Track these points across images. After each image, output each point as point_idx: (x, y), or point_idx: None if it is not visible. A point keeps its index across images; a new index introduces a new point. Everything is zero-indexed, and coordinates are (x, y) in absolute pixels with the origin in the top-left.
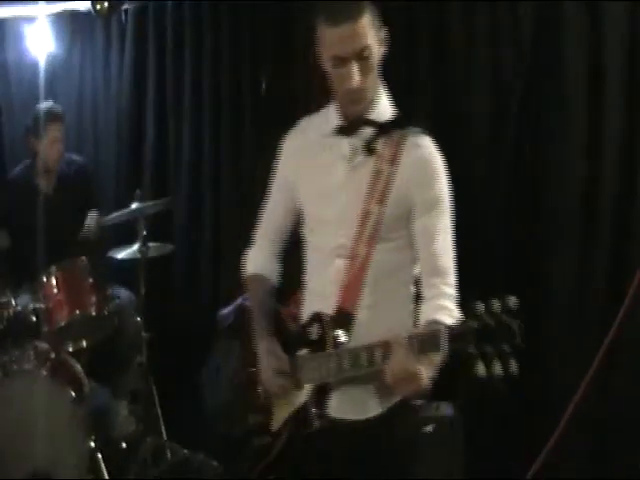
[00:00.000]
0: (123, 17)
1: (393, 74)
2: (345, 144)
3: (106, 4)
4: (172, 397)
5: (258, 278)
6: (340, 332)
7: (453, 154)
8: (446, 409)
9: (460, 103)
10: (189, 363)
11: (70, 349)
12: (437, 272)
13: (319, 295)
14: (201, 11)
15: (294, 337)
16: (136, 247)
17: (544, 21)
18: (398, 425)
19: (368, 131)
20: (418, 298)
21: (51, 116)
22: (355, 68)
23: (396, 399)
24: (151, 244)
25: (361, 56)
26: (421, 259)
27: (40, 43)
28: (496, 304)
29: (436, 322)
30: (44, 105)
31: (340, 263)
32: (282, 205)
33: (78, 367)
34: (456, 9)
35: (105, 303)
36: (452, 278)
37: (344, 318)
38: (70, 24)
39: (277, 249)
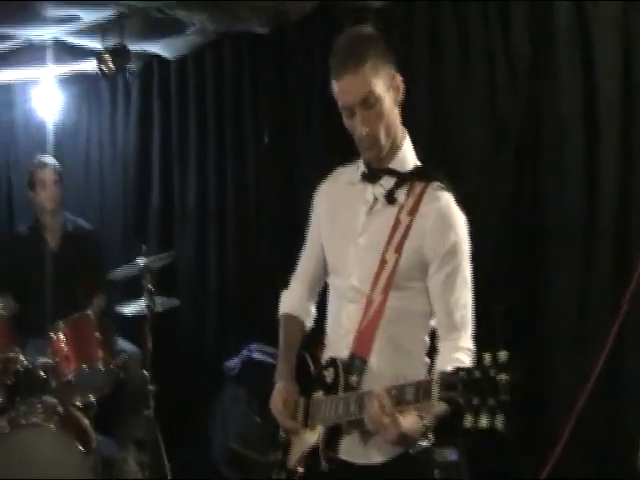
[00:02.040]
0: (128, 76)
1: None
2: (369, 191)
3: (112, 65)
4: (178, 445)
5: (289, 319)
6: (353, 377)
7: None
8: (450, 454)
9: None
10: (195, 412)
11: (78, 403)
12: (454, 327)
13: (336, 340)
14: (204, 66)
15: (313, 379)
16: (142, 302)
17: (539, 51)
18: (403, 474)
19: (391, 180)
20: (433, 352)
21: (40, 163)
22: (359, 117)
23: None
24: (157, 298)
25: (366, 104)
26: (437, 311)
27: (47, 104)
28: (487, 357)
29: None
30: (41, 157)
31: (356, 308)
32: (316, 250)
33: (85, 421)
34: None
35: (112, 357)
36: (469, 333)
37: (357, 363)
38: (76, 85)
39: (312, 292)
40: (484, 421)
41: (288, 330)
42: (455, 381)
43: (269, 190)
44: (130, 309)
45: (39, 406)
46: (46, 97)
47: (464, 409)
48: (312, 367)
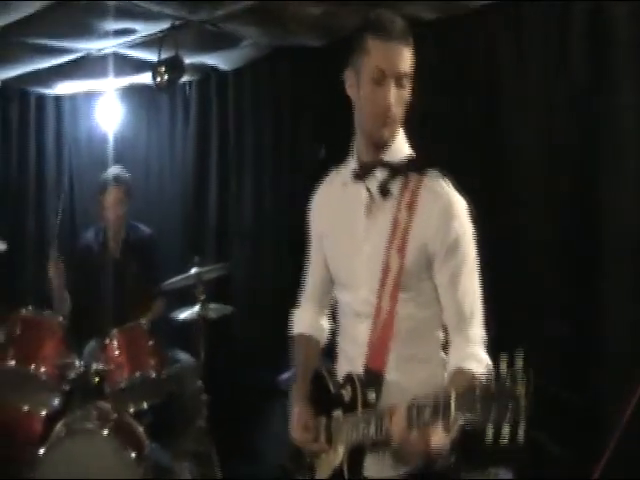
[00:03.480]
0: (187, 89)
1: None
2: (362, 190)
3: (166, 77)
4: (232, 459)
5: (303, 339)
6: (370, 393)
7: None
8: (505, 474)
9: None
10: (249, 425)
11: (131, 410)
12: (463, 317)
13: (349, 355)
14: (261, 79)
15: (332, 398)
16: (196, 309)
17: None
18: None
19: (383, 173)
20: (446, 345)
21: (113, 179)
22: (392, 89)
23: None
24: (211, 305)
25: (400, 83)
26: (446, 305)
27: (108, 116)
28: (503, 367)
29: (463, 372)
30: (109, 170)
31: (366, 321)
32: (322, 262)
33: (139, 428)
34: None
35: (164, 366)
36: (479, 321)
37: (373, 378)
38: (136, 97)
39: (324, 307)
40: (506, 435)
41: (302, 351)
42: (472, 399)
43: None
44: (184, 315)
45: (94, 412)
46: (107, 109)
47: (484, 426)
48: (331, 385)
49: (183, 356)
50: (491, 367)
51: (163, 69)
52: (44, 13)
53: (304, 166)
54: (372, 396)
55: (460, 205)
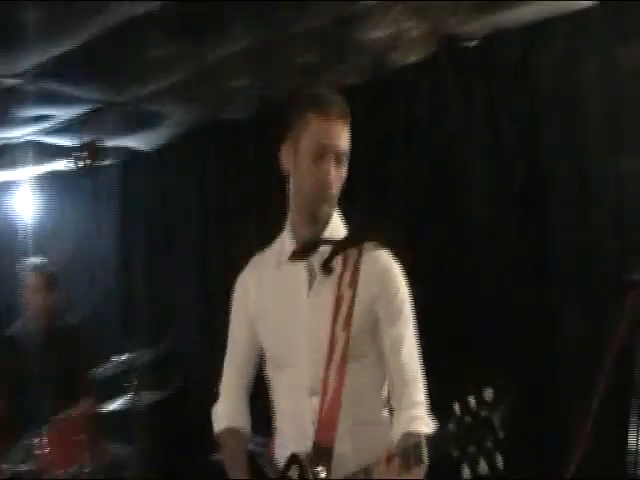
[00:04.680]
0: (111, 171)
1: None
2: (302, 269)
3: (87, 161)
4: None
5: (230, 433)
6: (320, 469)
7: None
8: None
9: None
10: None
11: None
12: (407, 382)
13: (295, 435)
14: (186, 156)
15: None
16: (130, 396)
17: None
18: None
19: (323, 250)
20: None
21: (31, 270)
22: (332, 166)
23: None
24: (145, 392)
25: (340, 160)
26: (390, 371)
27: (28, 205)
28: (472, 400)
29: (411, 434)
30: (29, 261)
31: (312, 399)
32: (247, 347)
33: None
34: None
35: (100, 457)
36: (421, 385)
37: (323, 454)
38: (57, 183)
39: (246, 394)
40: (484, 467)
41: (233, 446)
42: (446, 435)
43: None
44: (117, 404)
45: None
46: (26, 197)
47: (460, 460)
48: (268, 470)
49: (117, 446)
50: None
51: (83, 153)
52: None
53: (234, 242)
54: (323, 474)
55: (399, 273)
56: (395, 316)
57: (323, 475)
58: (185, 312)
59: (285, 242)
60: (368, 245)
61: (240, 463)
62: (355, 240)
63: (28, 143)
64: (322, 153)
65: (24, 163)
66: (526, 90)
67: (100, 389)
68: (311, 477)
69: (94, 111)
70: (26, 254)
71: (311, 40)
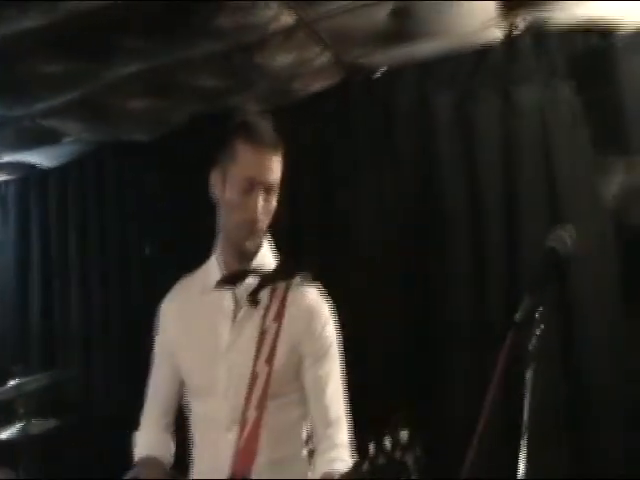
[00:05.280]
0: (3, 188)
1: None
2: (228, 298)
3: None
4: None
5: (149, 462)
6: None
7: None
8: None
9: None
10: None
11: None
12: (330, 423)
13: (211, 468)
14: (86, 175)
15: None
16: (18, 425)
17: None
18: None
19: (251, 281)
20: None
21: None
22: (261, 199)
23: None
24: (35, 420)
25: (269, 192)
26: (312, 410)
27: None
28: (387, 440)
29: (330, 474)
30: None
31: (230, 432)
32: (169, 376)
33: None
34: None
35: None
36: (345, 427)
37: None
38: None
39: (168, 424)
40: None
41: (150, 474)
42: (360, 475)
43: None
44: (5, 434)
45: None
46: None
47: None
48: None
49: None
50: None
51: None
52: None
53: (133, 264)
54: None
55: (327, 310)
56: (320, 354)
57: None
58: (85, 338)
59: (211, 269)
60: (297, 279)
61: None
62: (284, 273)
63: None
64: (250, 187)
65: None
66: (423, 126)
67: None
68: None
69: None
70: None
71: (212, 64)
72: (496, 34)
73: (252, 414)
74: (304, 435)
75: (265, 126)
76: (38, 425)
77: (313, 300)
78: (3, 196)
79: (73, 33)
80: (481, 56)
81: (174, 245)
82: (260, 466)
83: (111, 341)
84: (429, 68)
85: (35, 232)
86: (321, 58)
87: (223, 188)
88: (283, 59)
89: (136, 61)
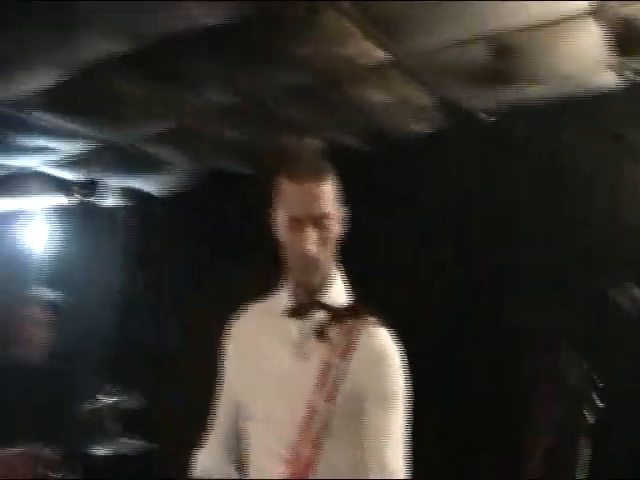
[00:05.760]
0: (123, 212)
1: None
2: (294, 328)
3: (80, 197)
4: None
5: None
6: None
7: None
8: None
9: None
10: None
11: None
12: (386, 475)
13: None
14: (191, 204)
15: None
16: (109, 441)
17: None
18: None
19: (320, 315)
20: None
21: (34, 299)
22: (312, 233)
23: None
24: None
25: (320, 223)
26: (368, 460)
27: (37, 235)
28: None
29: None
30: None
31: (282, 467)
32: (233, 403)
33: None
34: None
35: None
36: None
37: None
38: (61, 216)
39: (232, 450)
40: None
41: None
42: None
43: None
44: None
45: None
46: (35, 228)
47: None
48: None
49: None
50: None
51: (77, 189)
52: None
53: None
54: None
55: (397, 358)
56: (384, 402)
57: None
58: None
59: (281, 298)
60: (369, 319)
61: None
62: (355, 312)
63: (33, 174)
64: (297, 225)
65: (29, 193)
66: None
67: (80, 428)
68: None
69: (96, 149)
70: (29, 284)
71: (303, 96)
72: (607, 78)
73: (306, 451)
74: None
75: (306, 159)
76: (126, 444)
77: (383, 344)
78: (113, 220)
79: (161, 60)
80: (594, 100)
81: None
82: None
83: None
84: (535, 111)
85: (141, 256)
86: (419, 98)
87: (277, 227)
88: (377, 96)
89: (226, 91)
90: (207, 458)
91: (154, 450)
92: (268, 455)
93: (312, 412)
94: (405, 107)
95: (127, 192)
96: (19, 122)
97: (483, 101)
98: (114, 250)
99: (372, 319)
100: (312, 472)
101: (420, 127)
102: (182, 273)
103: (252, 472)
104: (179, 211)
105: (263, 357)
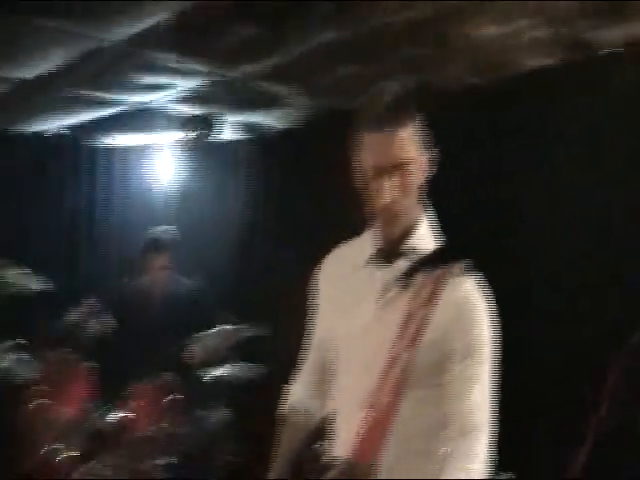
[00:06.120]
0: (242, 147)
1: None
2: (378, 277)
3: (195, 133)
4: None
5: (292, 417)
6: None
7: None
8: None
9: None
10: None
11: (151, 462)
12: (465, 432)
13: (340, 442)
14: (308, 138)
15: None
16: (226, 368)
17: None
18: None
19: (404, 264)
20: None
21: (158, 246)
22: (390, 183)
23: None
24: (241, 365)
25: (399, 171)
26: (451, 414)
27: (160, 170)
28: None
29: None
30: (157, 231)
31: (361, 413)
32: (322, 340)
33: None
34: None
35: (185, 422)
36: (484, 438)
37: (356, 470)
38: (192, 152)
39: (321, 384)
40: None
41: (289, 431)
42: None
43: None
44: (216, 373)
45: (110, 462)
46: (161, 162)
47: None
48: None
49: (215, 413)
50: None
51: (196, 124)
52: (83, 64)
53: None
54: None
55: (484, 309)
56: (469, 353)
57: None
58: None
59: (366, 244)
60: (455, 267)
61: (285, 451)
62: (440, 259)
63: (154, 110)
64: (376, 173)
65: (150, 130)
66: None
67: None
68: None
69: (214, 85)
70: (157, 218)
71: (416, 31)
72: None
73: (384, 400)
74: (441, 437)
75: (382, 105)
76: (238, 369)
77: (469, 292)
78: (236, 154)
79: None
80: None
81: None
82: (388, 458)
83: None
84: None
85: (262, 190)
86: (539, 31)
87: (359, 175)
88: (491, 29)
89: (337, 28)
90: (295, 393)
91: (269, 376)
92: (351, 401)
93: (393, 361)
94: (522, 41)
95: (246, 126)
96: (138, 60)
97: (605, 35)
98: (235, 185)
99: (459, 267)
100: (392, 420)
101: (539, 62)
102: (300, 207)
103: (337, 416)
104: (297, 145)
105: (348, 302)
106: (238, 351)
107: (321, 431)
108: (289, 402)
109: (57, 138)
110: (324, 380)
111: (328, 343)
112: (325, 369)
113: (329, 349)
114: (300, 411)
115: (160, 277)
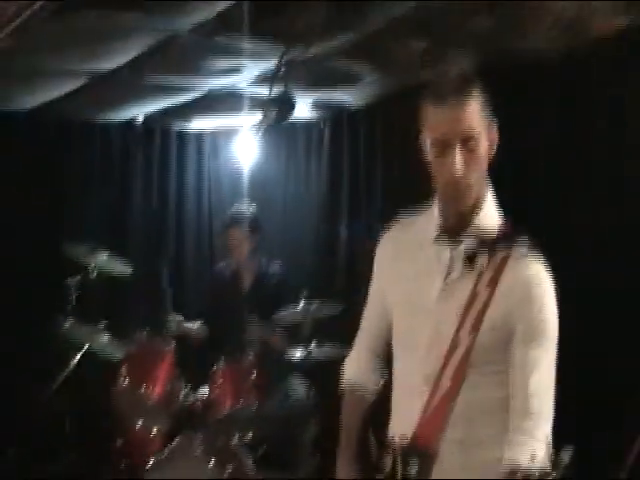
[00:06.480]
0: (322, 125)
1: None
2: (444, 255)
3: (274, 113)
4: None
5: (352, 392)
6: (411, 468)
7: None
8: None
9: None
10: None
11: (236, 440)
12: (529, 414)
13: (401, 423)
14: (391, 117)
15: (374, 465)
16: (309, 347)
17: None
18: None
19: (469, 242)
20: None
21: (232, 219)
22: (458, 156)
23: None
24: (326, 344)
25: (466, 145)
26: (513, 396)
27: (246, 152)
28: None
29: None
30: (234, 208)
31: (422, 393)
32: (380, 312)
33: (247, 459)
34: None
35: (269, 400)
36: (546, 422)
37: (417, 452)
38: (272, 133)
39: (378, 358)
40: None
41: (349, 407)
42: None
43: None
44: (300, 354)
45: (198, 439)
46: (245, 146)
47: None
48: (374, 451)
49: (300, 391)
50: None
51: (273, 105)
52: (156, 52)
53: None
54: (413, 471)
55: (549, 292)
56: (533, 335)
57: (412, 475)
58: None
59: (431, 220)
60: (521, 246)
61: (348, 431)
62: (506, 239)
63: (228, 93)
64: (442, 147)
65: (227, 112)
66: None
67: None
68: (399, 472)
69: (287, 65)
70: (239, 198)
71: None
72: None
73: (446, 382)
74: (503, 421)
75: (448, 78)
76: (323, 350)
77: (535, 273)
78: (320, 133)
79: None
80: None
81: None
82: (448, 443)
83: None
84: None
85: (346, 169)
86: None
87: (425, 150)
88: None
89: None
90: (353, 366)
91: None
92: (410, 382)
93: (455, 343)
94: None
95: (321, 105)
96: (214, 44)
97: None
98: (313, 164)
99: (524, 246)
100: (454, 402)
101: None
102: (377, 184)
103: (395, 397)
104: (373, 124)
105: (412, 279)
106: (323, 332)
107: (378, 406)
108: (346, 377)
109: (143, 125)
110: (380, 355)
111: (388, 318)
112: (382, 343)
113: (389, 324)
114: (358, 386)
115: (242, 251)
